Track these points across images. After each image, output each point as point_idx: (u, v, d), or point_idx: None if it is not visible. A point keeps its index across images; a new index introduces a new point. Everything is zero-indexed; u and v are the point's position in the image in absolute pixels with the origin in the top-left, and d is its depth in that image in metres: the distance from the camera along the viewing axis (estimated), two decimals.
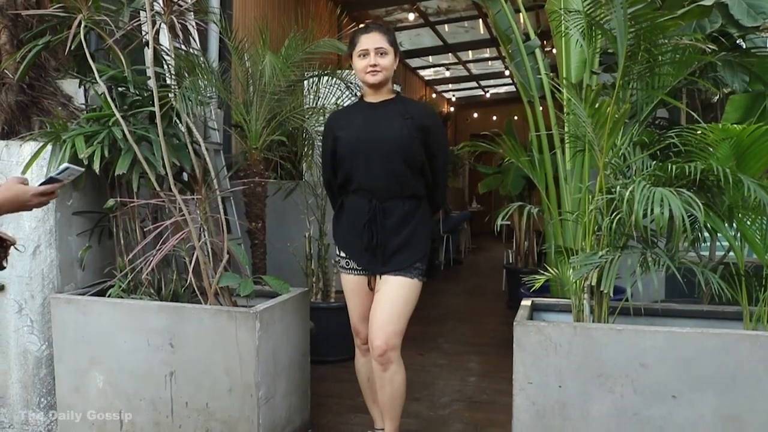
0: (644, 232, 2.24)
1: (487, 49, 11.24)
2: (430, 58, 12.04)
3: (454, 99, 15.93)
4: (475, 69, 12.97)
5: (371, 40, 2.64)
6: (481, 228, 12.87)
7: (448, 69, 12.83)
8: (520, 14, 4.44)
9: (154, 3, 3.17)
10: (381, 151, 2.66)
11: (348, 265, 2.82)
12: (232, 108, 3.75)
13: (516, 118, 7.22)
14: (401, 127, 2.66)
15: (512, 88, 13.15)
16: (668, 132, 2.60)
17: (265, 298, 3.16)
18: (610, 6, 2.34)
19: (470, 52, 11.51)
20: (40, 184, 2.04)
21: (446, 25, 9.89)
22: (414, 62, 12.24)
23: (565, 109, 2.71)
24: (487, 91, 15.21)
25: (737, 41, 3.15)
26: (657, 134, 2.62)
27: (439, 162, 2.80)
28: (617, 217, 2.37)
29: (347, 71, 3.95)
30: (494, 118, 15.36)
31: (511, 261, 7.04)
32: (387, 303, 2.68)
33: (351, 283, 2.83)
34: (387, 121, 2.68)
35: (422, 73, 13.31)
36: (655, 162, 2.46)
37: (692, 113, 2.90)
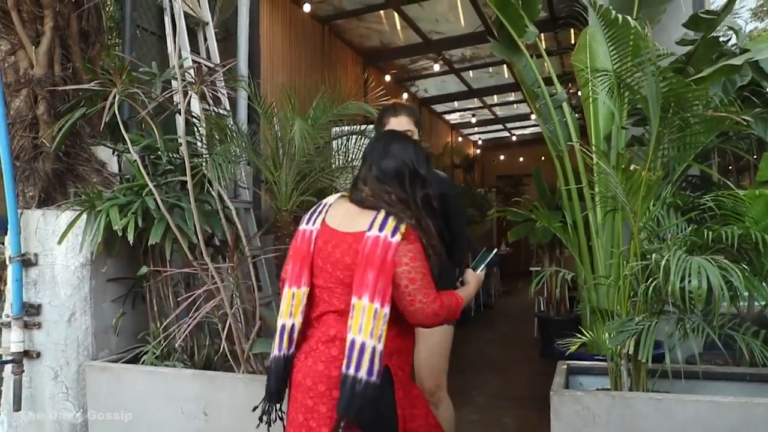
0: (680, 298, 2.20)
1: (512, 93, 11.28)
2: (456, 104, 12.12)
3: (480, 142, 15.96)
4: (501, 112, 13.01)
5: (400, 123, 2.73)
6: (511, 269, 12.77)
7: (474, 114, 12.89)
8: (544, 62, 4.46)
9: (187, 74, 3.26)
10: None
11: None
12: (262, 167, 3.80)
13: (543, 158, 7.20)
14: None
15: (538, 129, 13.15)
16: (702, 193, 2.57)
17: None
18: (640, 72, 2.34)
19: (495, 96, 11.56)
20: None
21: (471, 71, 9.97)
22: (439, 107, 12.32)
23: (595, 170, 2.69)
24: (513, 133, 15.22)
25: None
26: (691, 197, 2.58)
27: (456, 225, 2.85)
28: (653, 284, 2.33)
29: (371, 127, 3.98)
30: (521, 159, 15.34)
31: (542, 308, 6.95)
32: (432, 346, 2.78)
33: None
34: None
35: (448, 117, 13.39)
36: (690, 227, 2.42)
37: (722, 175, 2.86)
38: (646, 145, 3.15)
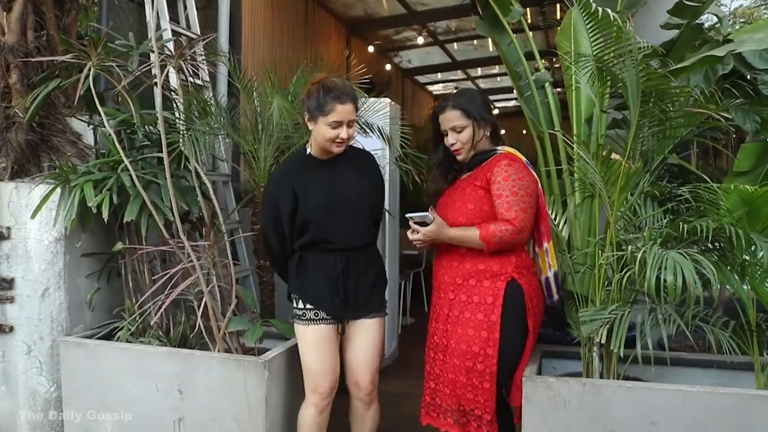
0: (654, 291, 2.22)
1: (497, 66, 11.21)
2: (439, 75, 12.04)
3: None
4: (484, 84, 12.95)
5: (346, 112, 2.56)
6: None
7: (457, 86, 12.82)
8: (528, 34, 4.41)
9: (165, 47, 3.19)
10: (351, 210, 2.69)
11: (317, 317, 2.71)
12: (240, 142, 3.76)
13: (524, 132, 7.21)
14: (361, 183, 2.73)
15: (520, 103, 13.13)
16: (679, 183, 2.59)
17: (274, 339, 3.16)
18: (620, 63, 2.32)
19: (479, 68, 11.50)
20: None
21: (455, 44, 9.88)
22: (422, 79, 12.24)
23: (575, 157, 2.69)
24: (496, 106, 15.18)
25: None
26: (668, 187, 2.59)
27: (381, 197, 2.88)
28: (627, 274, 2.35)
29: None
30: (502, 132, 15.31)
31: None
32: (370, 345, 2.78)
33: (320, 332, 2.70)
34: (348, 178, 2.71)
35: (431, 88, 13.31)
36: (666, 218, 2.44)
37: (701, 160, 2.87)
38: (627, 129, 3.16)
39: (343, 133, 2.58)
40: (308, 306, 2.71)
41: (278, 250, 2.79)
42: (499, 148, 2.65)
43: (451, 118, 2.61)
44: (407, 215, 2.60)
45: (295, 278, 2.76)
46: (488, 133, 2.65)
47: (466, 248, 2.57)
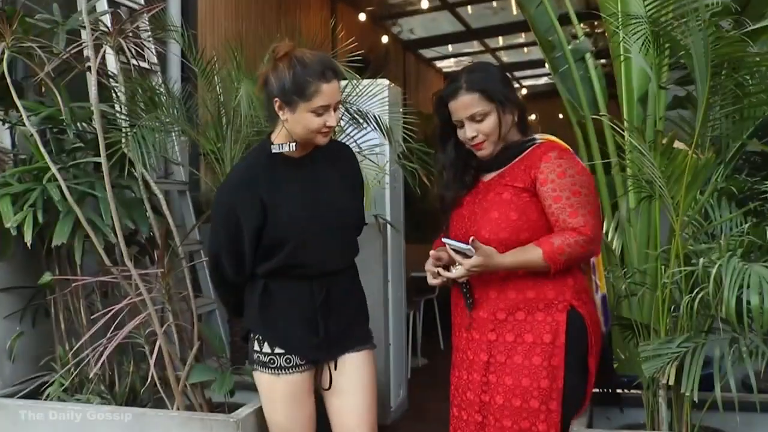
0: (735, 316, 2.19)
1: (523, 34, 11.23)
2: (450, 47, 12.07)
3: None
4: (507, 57, 12.99)
5: (333, 92, 2.47)
6: None
7: (473, 61, 12.85)
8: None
9: (99, 21, 3.18)
10: (336, 223, 2.63)
11: (289, 363, 2.63)
12: (200, 140, 3.75)
13: (561, 117, 7.23)
14: (345, 187, 2.69)
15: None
16: (763, 176, 2.58)
17: (248, 392, 3.13)
18: (683, 26, 2.31)
19: (500, 38, 11.52)
20: None
21: (469, 7, 9.91)
22: (428, 53, 12.27)
23: (626, 147, 2.68)
24: (523, 85, 15.22)
25: None
26: (749, 182, 2.58)
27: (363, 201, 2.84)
28: (700, 296, 2.32)
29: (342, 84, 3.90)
30: (533, 117, 15.32)
31: None
32: (360, 388, 2.69)
33: (293, 384, 2.63)
34: (329, 181, 2.65)
35: (440, 64, 13.36)
36: (748, 223, 2.42)
37: None
38: (693, 110, 3.14)
39: (330, 119, 2.48)
40: (277, 350, 2.62)
41: (232, 278, 2.68)
42: (537, 136, 2.58)
43: (468, 103, 2.48)
44: (444, 240, 2.46)
45: (257, 314, 2.65)
46: (516, 119, 2.56)
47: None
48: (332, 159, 2.69)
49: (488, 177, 2.60)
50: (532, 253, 2.37)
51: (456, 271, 2.42)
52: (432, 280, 2.53)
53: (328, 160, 2.66)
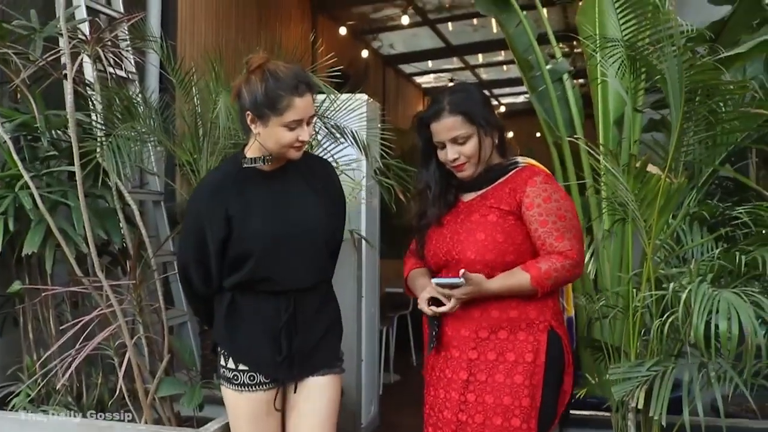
0: (703, 341, 2.21)
1: (502, 51, 11.29)
2: (430, 63, 12.10)
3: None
4: (486, 74, 13.04)
5: (306, 107, 2.45)
6: None
7: (452, 77, 12.90)
8: (541, 12, 4.44)
9: (77, 29, 3.17)
10: (304, 239, 2.59)
11: (253, 380, 2.60)
12: (176, 150, 3.74)
13: (538, 135, 7.27)
14: (318, 202, 2.63)
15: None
16: (734, 201, 2.61)
17: (218, 406, 3.10)
18: (658, 50, 2.34)
19: (480, 55, 11.57)
20: None
21: (450, 24, 9.95)
22: (408, 68, 12.30)
23: (601, 170, 2.70)
24: (501, 102, 15.29)
25: None
26: (720, 207, 2.61)
27: (343, 219, 2.79)
28: (670, 320, 2.34)
29: (320, 98, 3.91)
30: (510, 134, 15.40)
31: None
32: (319, 412, 2.63)
33: (257, 402, 2.60)
34: (301, 196, 2.61)
35: (419, 80, 13.38)
36: (719, 248, 2.45)
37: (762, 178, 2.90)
38: (667, 134, 3.17)
39: (303, 134, 2.45)
40: (241, 367, 2.59)
41: (201, 288, 2.65)
42: (519, 159, 2.60)
43: (450, 126, 2.49)
44: (434, 281, 2.47)
45: (223, 328, 2.62)
46: (496, 141, 2.57)
47: None
48: (307, 174, 2.65)
49: (468, 197, 2.61)
50: (519, 278, 2.39)
51: (449, 305, 2.42)
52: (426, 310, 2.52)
53: (302, 174, 2.63)
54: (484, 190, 2.57)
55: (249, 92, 2.43)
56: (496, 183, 2.55)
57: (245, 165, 2.54)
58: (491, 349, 2.46)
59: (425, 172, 2.67)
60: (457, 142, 2.49)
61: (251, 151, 2.55)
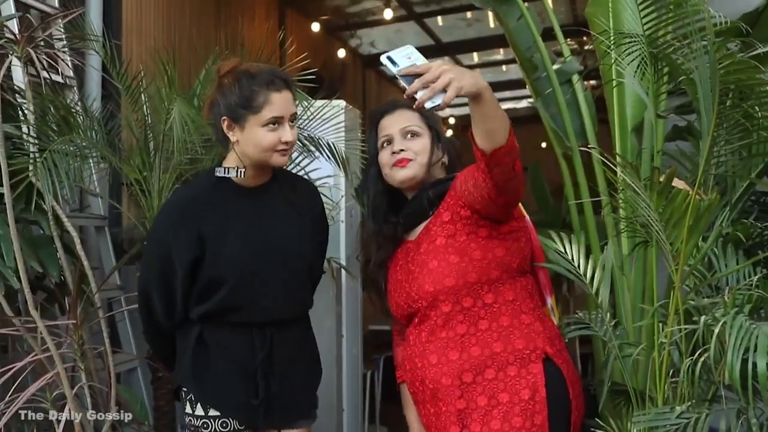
0: (739, 382, 2.22)
1: (501, 50, 11.35)
2: None
3: (452, 120, 16.03)
4: (483, 76, 13.06)
5: (285, 102, 2.51)
6: None
7: None
8: (546, 3, 4.47)
9: (4, 26, 3.17)
10: (284, 265, 2.64)
11: (225, 428, 2.61)
12: (123, 167, 3.74)
13: (544, 145, 7.32)
14: (300, 225, 2.69)
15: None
16: None
17: None
18: (684, 46, 2.35)
19: (475, 54, 11.63)
20: None
21: (439, 18, 10.00)
22: None
23: (619, 185, 2.71)
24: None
25: None
26: (758, 228, 2.62)
27: (326, 246, 2.89)
28: (702, 358, 2.34)
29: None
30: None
31: None
32: None
33: None
34: (281, 217, 2.66)
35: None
36: (757, 275, 2.45)
37: None
38: (695, 143, 3.18)
39: (285, 134, 2.50)
40: (211, 412, 2.60)
41: (163, 322, 2.67)
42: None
43: (405, 117, 2.58)
44: (383, 59, 2.07)
45: (189, 367, 2.63)
46: (445, 161, 2.67)
47: (464, 323, 2.46)
48: (291, 194, 2.70)
49: (414, 235, 2.63)
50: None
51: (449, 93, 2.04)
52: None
53: (285, 194, 2.68)
54: (427, 221, 2.59)
55: (222, 97, 2.50)
56: (439, 207, 2.57)
57: (218, 174, 2.58)
58: (480, 393, 2.44)
59: (369, 185, 2.68)
60: (406, 137, 2.56)
61: (228, 162, 2.59)
